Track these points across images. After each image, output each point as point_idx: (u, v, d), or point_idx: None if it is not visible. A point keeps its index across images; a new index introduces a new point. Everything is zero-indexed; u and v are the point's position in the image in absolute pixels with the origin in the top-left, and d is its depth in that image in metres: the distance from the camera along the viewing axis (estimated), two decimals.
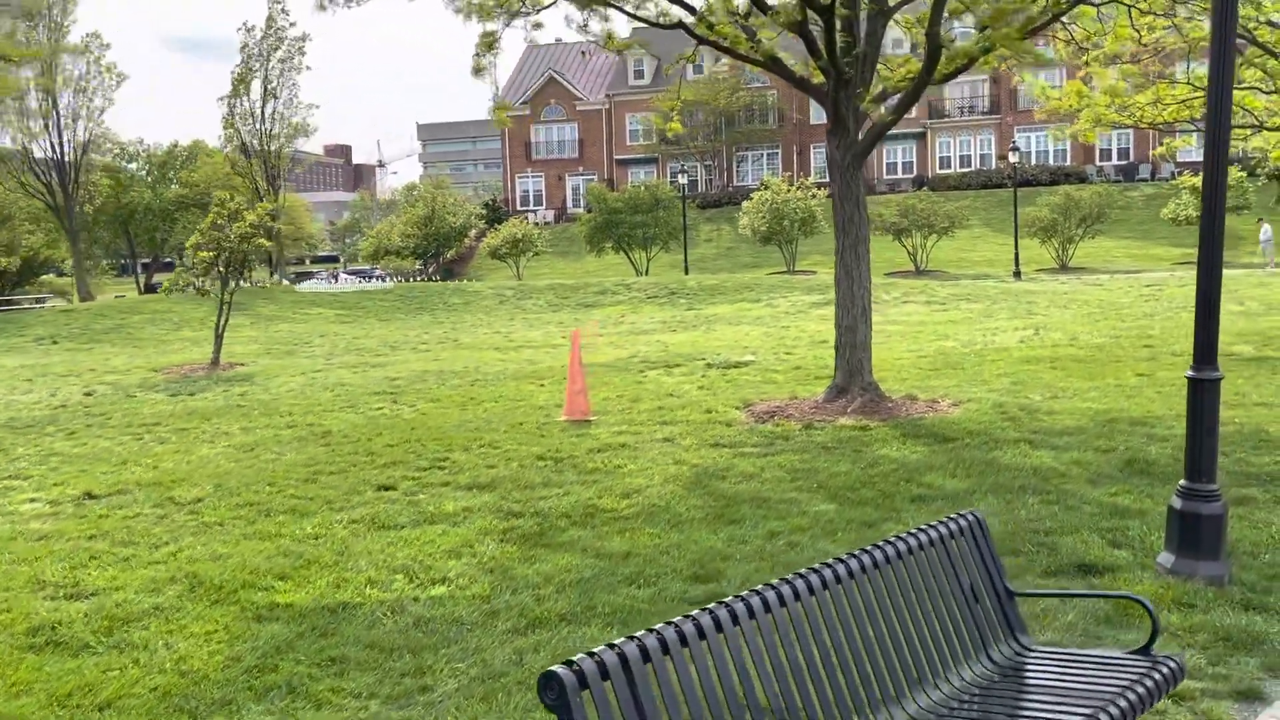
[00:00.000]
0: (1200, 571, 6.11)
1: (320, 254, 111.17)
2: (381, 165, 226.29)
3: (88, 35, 60.30)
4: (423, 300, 35.81)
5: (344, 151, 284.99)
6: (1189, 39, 16.05)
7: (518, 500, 8.47)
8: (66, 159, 59.51)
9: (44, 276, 66.46)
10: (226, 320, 20.67)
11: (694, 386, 15.03)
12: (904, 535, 4.14)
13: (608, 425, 11.65)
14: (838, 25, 10.82)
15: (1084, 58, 14.29)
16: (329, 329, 29.18)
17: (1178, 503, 6.26)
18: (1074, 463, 9.05)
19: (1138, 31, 14.04)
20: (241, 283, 22.65)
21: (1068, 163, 66.42)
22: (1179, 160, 63.68)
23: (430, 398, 14.78)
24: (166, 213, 71.07)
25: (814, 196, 51.57)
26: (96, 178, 57.07)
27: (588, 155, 76.52)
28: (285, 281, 45.79)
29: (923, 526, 4.22)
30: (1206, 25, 16.86)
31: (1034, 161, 66.26)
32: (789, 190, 51.59)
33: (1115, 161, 66.14)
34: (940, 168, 69.26)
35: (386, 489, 9.14)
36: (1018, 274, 42.69)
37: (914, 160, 70.66)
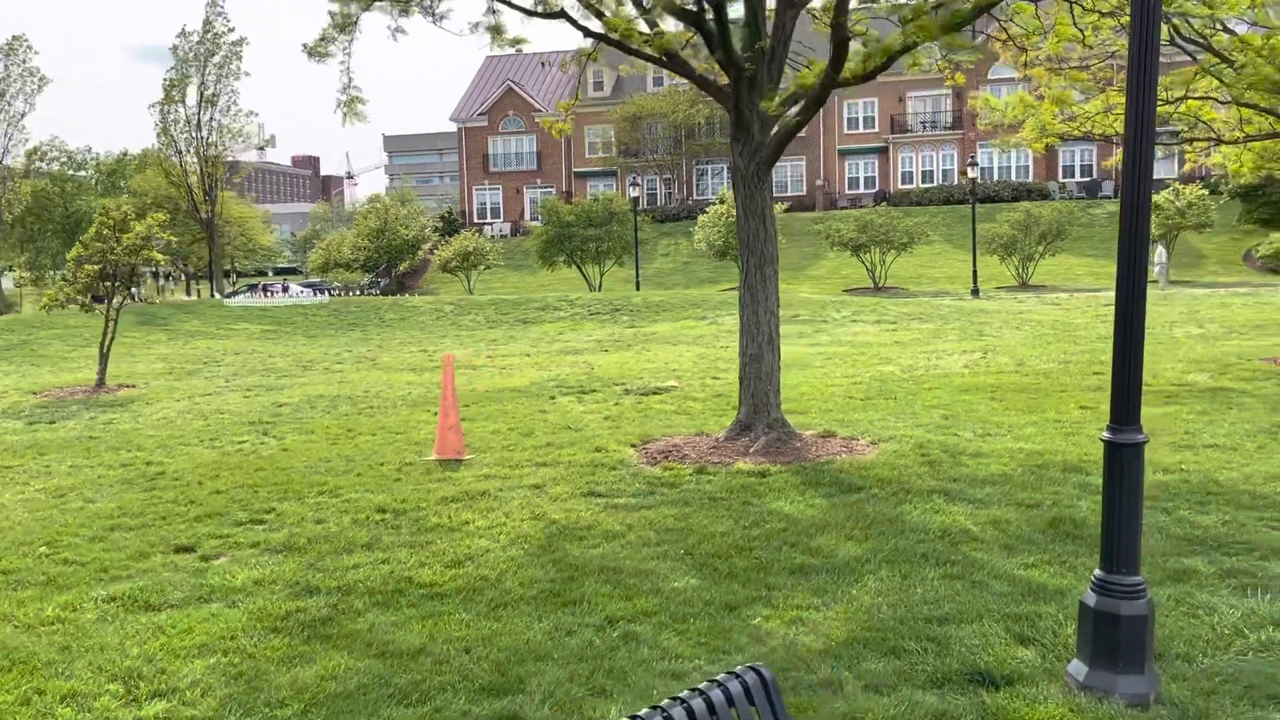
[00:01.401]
0: (1119, 689, 4.80)
1: (281, 266, 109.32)
2: (350, 177, 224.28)
3: (13, 38, 58.25)
4: (357, 316, 34.28)
5: (312, 163, 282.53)
6: None
7: (324, 570, 7.07)
8: None
9: None
10: (112, 338, 19.11)
11: (600, 417, 13.68)
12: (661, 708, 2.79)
13: (478, 467, 10.27)
14: (731, 15, 9.55)
15: (1022, 58, 13.08)
16: (249, 346, 27.63)
17: (1091, 598, 4.95)
18: (991, 522, 7.75)
19: (1081, 31, 12.85)
20: (135, 297, 21.03)
21: (1030, 179, 65.73)
22: None
23: (306, 429, 13.34)
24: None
25: None
26: (15, 184, 55.08)
27: (546, 167, 75.21)
28: (217, 295, 44.03)
29: (687, 693, 2.87)
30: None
31: (996, 178, 65.56)
32: None
33: (1078, 178, 65.51)
34: (902, 183, 68.42)
35: (184, 550, 7.72)
36: (976, 291, 41.69)
37: (876, 175, 69.81)
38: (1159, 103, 17.05)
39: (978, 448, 10.43)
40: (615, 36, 10.10)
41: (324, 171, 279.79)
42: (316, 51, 10.66)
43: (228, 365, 23.09)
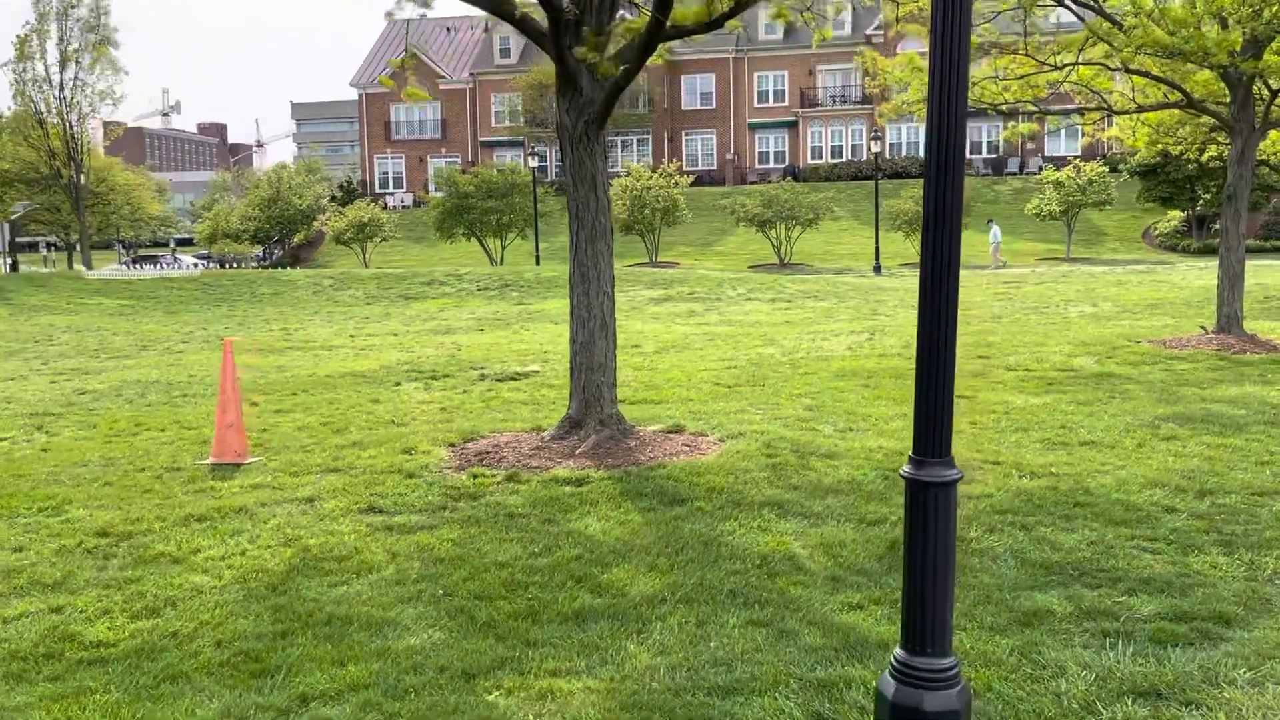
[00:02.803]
0: None
1: (182, 237, 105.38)
2: (260, 145, 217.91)
3: None
4: (228, 290, 32.31)
5: (219, 130, 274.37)
6: None
7: None
8: None
9: None
10: None
11: (436, 408, 12.29)
12: None
13: (255, 473, 8.82)
14: None
15: (899, 11, 11.90)
16: (97, 323, 25.60)
17: (889, 686, 3.73)
18: (822, 545, 6.56)
19: None
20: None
21: None
22: (1047, 155, 63.24)
23: (91, 423, 11.73)
24: None
25: (676, 184, 49.23)
26: None
27: (451, 136, 73.05)
28: (79, 267, 41.44)
29: None
30: None
31: (904, 153, 65.17)
32: (650, 177, 49.15)
33: (985, 155, 65.39)
34: (811, 158, 67.70)
35: None
36: (878, 268, 40.99)
37: (786, 150, 68.99)
38: (1049, 68, 16.12)
39: (833, 446, 9.27)
40: None
41: (232, 139, 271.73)
42: None
43: (58, 345, 21.17)
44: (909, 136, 65.56)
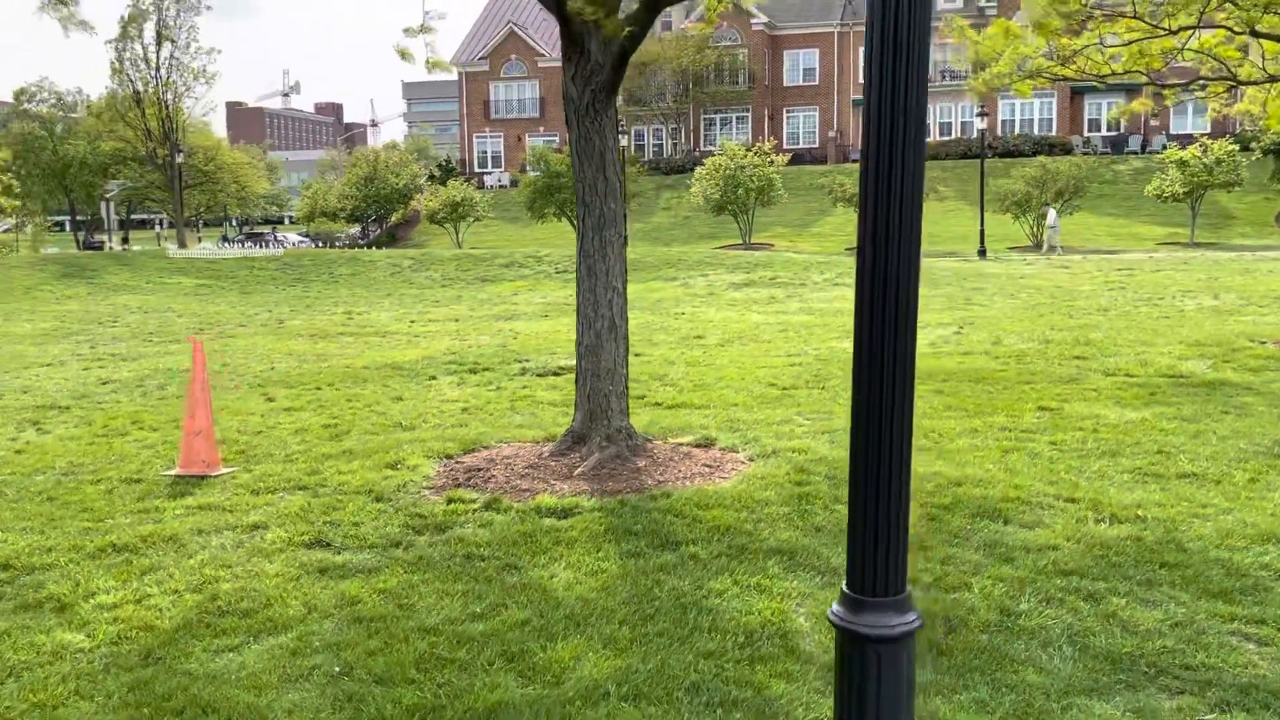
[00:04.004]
0: None
1: (291, 214, 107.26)
2: (374, 124, 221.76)
3: None
4: (307, 270, 31.94)
5: (335, 110, 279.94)
6: None
7: None
8: None
9: None
10: None
11: (458, 408, 11.26)
12: None
13: (218, 489, 7.85)
14: None
15: None
16: (168, 304, 25.33)
17: None
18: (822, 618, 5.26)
19: None
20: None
21: (1053, 132, 62.26)
22: (1171, 133, 59.68)
23: (89, 419, 10.99)
24: (104, 166, 66.78)
25: (772, 163, 47.57)
26: None
27: (549, 115, 72.31)
28: (166, 245, 41.71)
29: None
30: None
31: (1017, 130, 62.19)
32: (745, 155, 47.56)
33: (1104, 132, 61.98)
34: None
35: None
36: (982, 252, 38.79)
37: None
38: (1164, 33, 14.27)
39: None
40: None
41: (348, 118, 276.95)
42: None
43: (118, 327, 20.81)
44: (1022, 113, 62.53)
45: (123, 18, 51.62)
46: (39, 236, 76.30)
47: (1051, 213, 41.55)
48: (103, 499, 7.61)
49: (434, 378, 13.70)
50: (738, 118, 68.15)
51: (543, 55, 71.83)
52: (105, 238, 49.23)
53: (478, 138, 73.76)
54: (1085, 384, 11.74)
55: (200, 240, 78.94)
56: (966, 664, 4.76)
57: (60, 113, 71.27)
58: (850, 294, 24.75)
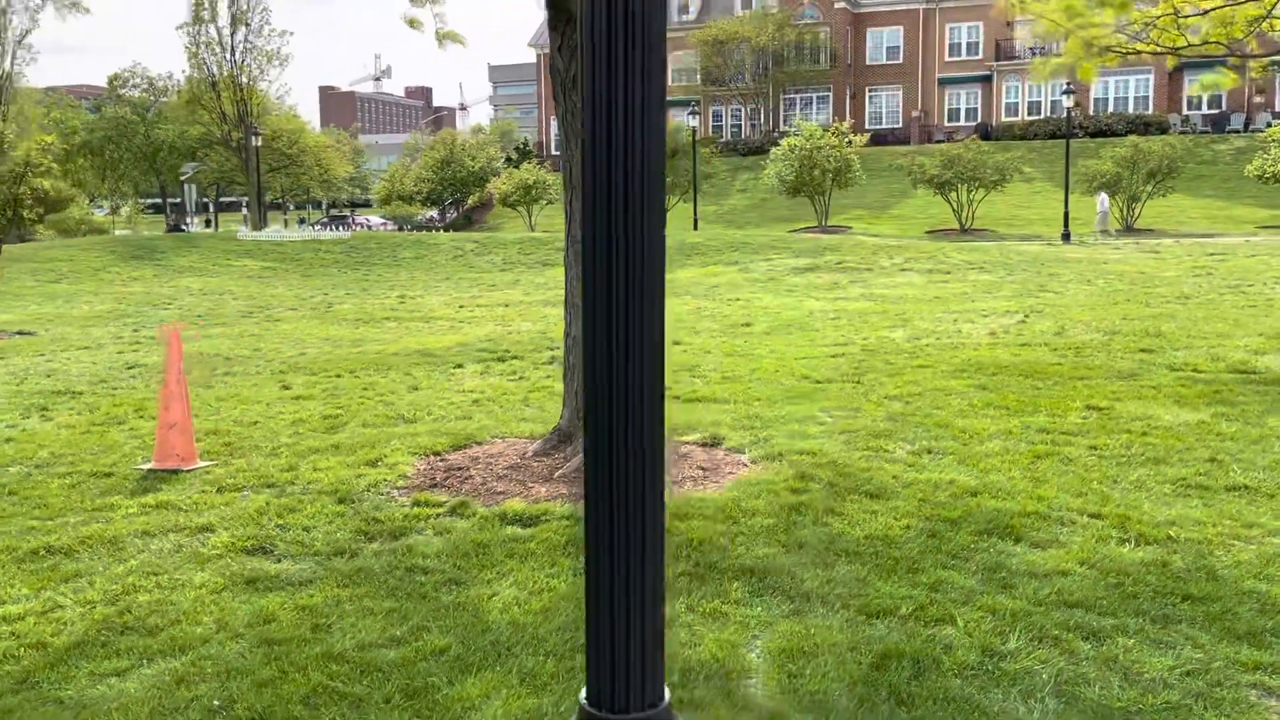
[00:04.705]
0: None
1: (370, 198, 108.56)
2: (463, 108, 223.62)
3: None
4: (371, 253, 31.90)
5: (425, 94, 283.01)
6: None
7: None
8: None
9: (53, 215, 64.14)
10: None
11: (470, 400, 10.81)
12: None
13: (183, 486, 7.48)
14: None
15: None
16: (227, 286, 25.41)
17: None
18: (784, 654, 4.64)
19: None
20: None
21: (1149, 110, 59.74)
22: (1278, 110, 56.88)
23: (95, 405, 10.78)
24: (191, 150, 68.07)
25: (850, 143, 46.38)
26: (20, 108, 53.49)
27: None
28: (244, 228, 42.15)
29: None
30: None
31: (1111, 109, 59.84)
32: (822, 136, 46.42)
33: (1205, 110, 59.32)
34: (1006, 115, 63.10)
35: None
36: (1066, 236, 37.26)
37: (978, 106, 64.54)
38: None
39: (888, 479, 7.23)
40: None
41: (437, 102, 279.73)
42: None
43: (170, 310, 20.84)
44: (1116, 91, 60.16)
45: (194, 2, 52.30)
46: (135, 219, 78.25)
47: (1103, 196, 39.80)
48: (63, 495, 7.29)
49: (460, 365, 13.30)
50: (818, 98, 66.78)
51: None
52: (188, 219, 50.14)
53: (555, 120, 73.47)
54: (1145, 380, 10.84)
55: (286, 223, 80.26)
56: (928, 716, 4.11)
57: (151, 97, 72.86)
58: (916, 281, 23.83)
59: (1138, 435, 8.45)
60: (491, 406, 10.41)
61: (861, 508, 6.63)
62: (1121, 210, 42.90)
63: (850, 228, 47.12)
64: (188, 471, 7.82)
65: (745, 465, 7.73)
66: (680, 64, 69.34)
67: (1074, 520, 6.35)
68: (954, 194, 44.90)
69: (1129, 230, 41.84)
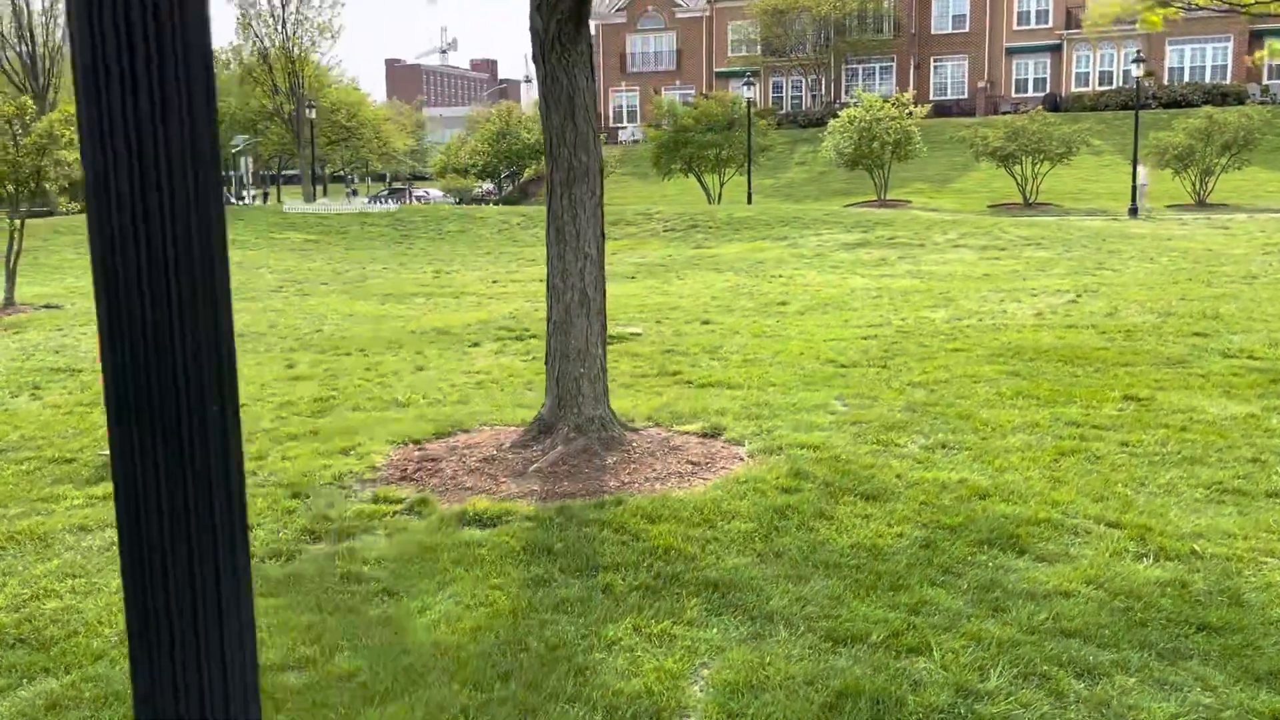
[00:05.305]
0: None
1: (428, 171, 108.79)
2: (528, 80, 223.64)
3: None
4: (417, 226, 31.64)
5: (490, 66, 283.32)
6: None
7: None
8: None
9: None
10: (19, 252, 16.65)
11: (474, 382, 10.36)
12: None
13: None
14: None
15: None
16: (265, 259, 25.26)
17: None
18: (730, 689, 4.09)
19: None
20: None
21: (1227, 80, 57.40)
22: None
23: (86, 385, 10.49)
24: (252, 122, 68.48)
25: (910, 115, 45.11)
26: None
27: (685, 67, 70.71)
28: (285, 201, 42.09)
29: None
30: None
31: (1186, 79, 57.62)
32: (882, 107, 45.19)
33: None
34: (1076, 85, 61.06)
35: None
36: (1134, 210, 35.83)
37: (1047, 76, 62.57)
38: None
39: (891, 478, 6.62)
40: None
41: (502, 74, 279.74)
42: None
43: None
44: (1192, 60, 57.90)
45: None
46: None
47: (1142, 170, 38.15)
48: (14, 483, 6.95)
49: (477, 344, 12.86)
50: (881, 68, 65.22)
51: (680, 6, 70.21)
52: (243, 192, 50.45)
53: (614, 92, 72.75)
54: (1194, 367, 10.04)
55: (348, 195, 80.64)
56: None
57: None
58: (968, 257, 22.92)
59: (1176, 430, 7.72)
60: (494, 389, 9.94)
61: (855, 511, 6.03)
62: (1194, 184, 41.21)
63: (909, 202, 45.93)
64: None
65: (741, 459, 7.16)
66: (740, 35, 68.16)
67: (1089, 530, 5.70)
68: (1018, 167, 43.48)
69: (1201, 205, 40.19)
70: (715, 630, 4.58)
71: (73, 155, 15.80)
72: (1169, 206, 40.81)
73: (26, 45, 51.07)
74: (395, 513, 6.16)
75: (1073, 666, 4.21)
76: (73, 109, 18.27)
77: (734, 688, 4.09)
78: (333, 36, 55.79)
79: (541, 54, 6.86)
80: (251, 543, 5.70)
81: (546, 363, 7.27)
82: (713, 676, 4.19)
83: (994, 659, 4.26)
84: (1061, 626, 4.54)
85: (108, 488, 6.80)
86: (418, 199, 67.22)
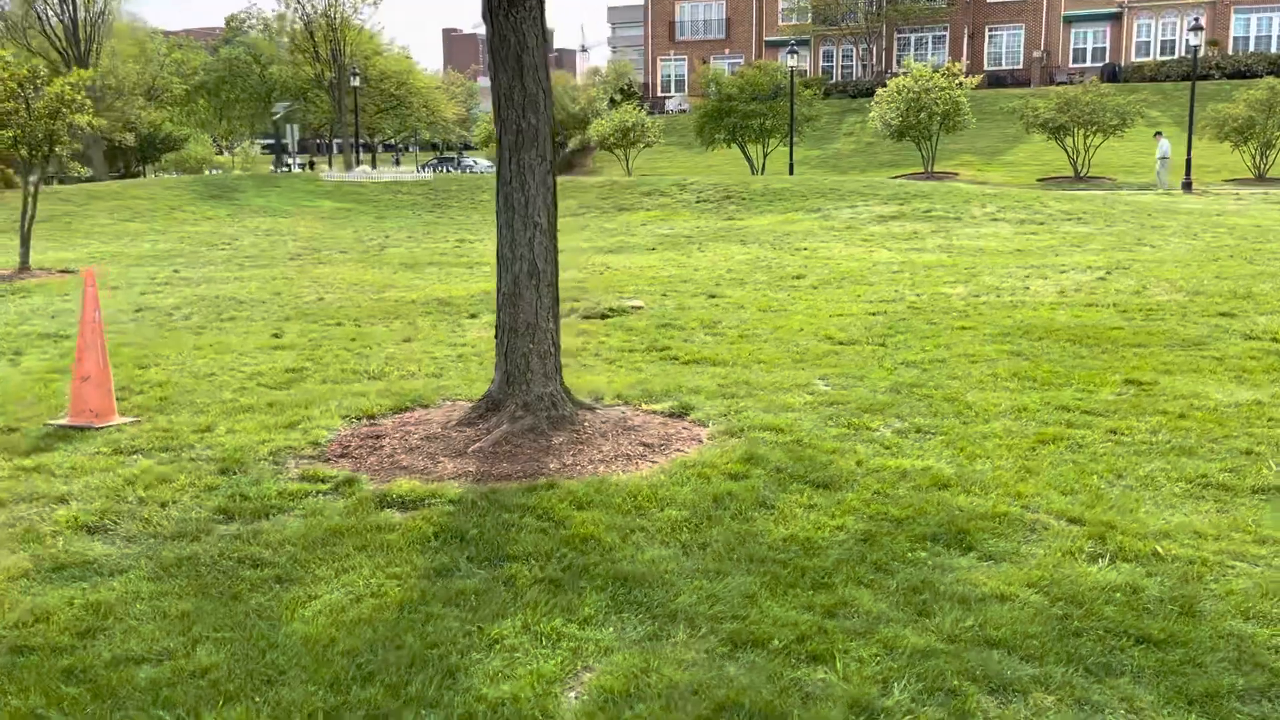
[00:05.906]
0: None
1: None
2: (584, 50, 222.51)
3: None
4: (451, 195, 31.45)
5: (546, 35, 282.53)
6: None
7: None
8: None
9: (171, 154, 65.66)
10: (32, 217, 16.63)
11: (455, 355, 10.09)
12: None
13: (82, 446, 6.90)
14: None
15: None
16: (292, 227, 25.19)
17: None
18: (591, 713, 3.76)
19: None
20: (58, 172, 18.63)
21: None
22: None
23: (66, 352, 10.36)
24: (302, 90, 68.65)
25: (960, 85, 44.02)
26: (115, 45, 53.34)
27: (735, 36, 69.77)
28: (325, 168, 42.08)
29: None
30: None
31: (1251, 48, 55.70)
32: (931, 77, 44.13)
33: None
34: (1136, 55, 59.31)
35: None
36: (1188, 185, 34.65)
37: (1106, 46, 60.84)
38: None
39: (851, 464, 6.22)
40: None
41: (558, 44, 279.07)
42: None
43: (224, 251, 20.64)
44: (1259, 29, 55.93)
45: None
46: (251, 158, 79.73)
47: (1163, 142, 36.75)
48: None
49: (474, 315, 12.59)
50: (934, 37, 63.85)
51: None
52: (288, 159, 50.61)
53: (662, 60, 72.05)
54: (1210, 349, 9.50)
55: (398, 162, 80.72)
56: None
57: (266, 38, 73.74)
58: (1004, 232, 22.20)
59: (1173, 418, 7.23)
60: (473, 363, 9.65)
61: (800, 500, 5.66)
62: (1253, 157, 39.81)
63: (957, 174, 44.91)
64: (98, 429, 7.26)
65: (699, 441, 6.80)
66: (790, 2, 67.03)
67: (1047, 526, 5.28)
68: (1069, 139, 42.32)
69: (1260, 179, 38.83)
70: (610, 630, 4.25)
71: (84, 119, 15.71)
72: (1226, 180, 39.49)
73: (69, 10, 51.43)
74: (319, 492, 5.89)
75: (987, 681, 3.82)
76: (86, 74, 18.20)
77: (611, 696, 3.76)
78: (373, 3, 55.52)
79: (489, 10, 6.49)
80: (164, 521, 5.47)
81: (496, 337, 6.95)
82: (592, 682, 3.86)
83: (901, 671, 3.89)
84: (987, 635, 4.15)
85: (40, 459, 6.62)
86: (466, 168, 67.13)
